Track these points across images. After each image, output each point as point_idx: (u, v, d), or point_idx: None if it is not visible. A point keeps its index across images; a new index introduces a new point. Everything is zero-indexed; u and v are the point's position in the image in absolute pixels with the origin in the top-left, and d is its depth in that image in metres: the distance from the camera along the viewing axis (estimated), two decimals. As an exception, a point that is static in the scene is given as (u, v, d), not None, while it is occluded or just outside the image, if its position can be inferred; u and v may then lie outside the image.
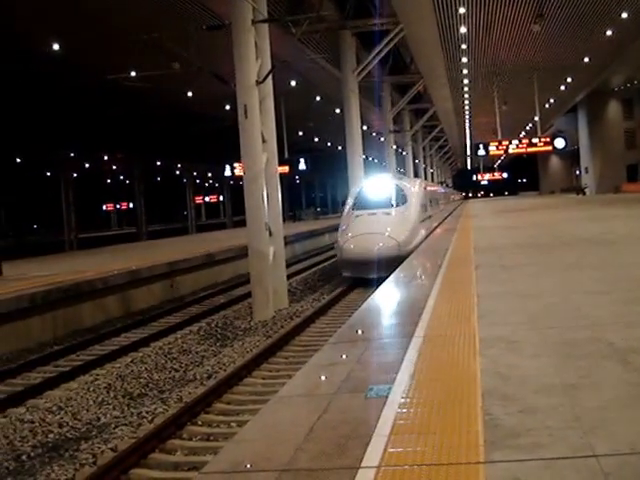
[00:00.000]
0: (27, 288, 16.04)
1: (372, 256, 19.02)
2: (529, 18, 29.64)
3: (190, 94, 32.55)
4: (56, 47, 23.79)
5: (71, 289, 16.34)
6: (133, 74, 27.65)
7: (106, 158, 56.84)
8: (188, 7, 22.15)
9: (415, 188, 24.18)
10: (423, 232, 22.56)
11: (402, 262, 15.18)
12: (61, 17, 22.26)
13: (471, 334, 6.79)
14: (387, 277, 12.67)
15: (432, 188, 35.43)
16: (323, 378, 5.77)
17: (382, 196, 21.78)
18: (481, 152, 43.74)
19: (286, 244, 19.51)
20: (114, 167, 63.65)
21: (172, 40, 22.29)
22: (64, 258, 29.88)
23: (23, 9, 21.04)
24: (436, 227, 28.98)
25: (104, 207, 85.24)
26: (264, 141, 16.53)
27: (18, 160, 50.52)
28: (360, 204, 21.78)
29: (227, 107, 32.07)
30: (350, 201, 22.61)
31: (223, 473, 3.96)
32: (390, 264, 16.56)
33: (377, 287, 11.60)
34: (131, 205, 76.43)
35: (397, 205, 21.39)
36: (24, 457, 8.30)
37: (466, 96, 46.85)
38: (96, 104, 34.93)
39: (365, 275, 19.20)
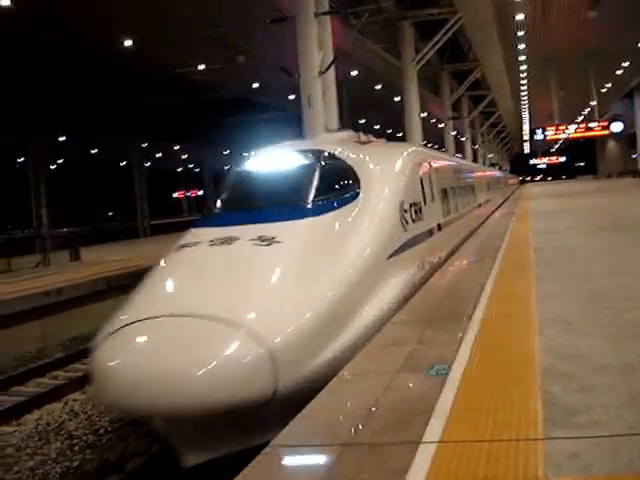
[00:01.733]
0: (103, 272, 16.58)
1: (172, 405, 5.58)
2: (585, 4, 29.60)
3: (256, 85, 32.95)
4: (128, 43, 24.51)
5: (143, 271, 16.85)
6: (201, 67, 28.23)
7: (176, 148, 58.51)
8: (253, 1, 22.51)
9: (390, 165, 10.30)
10: (413, 278, 9.57)
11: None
12: (133, 15, 22.92)
13: (529, 315, 6.93)
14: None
15: (452, 164, 19.20)
16: (385, 357, 5.95)
17: (283, 188, 8.72)
18: (539, 137, 43.11)
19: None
20: (183, 156, 65.36)
21: (237, 34, 22.70)
22: (137, 244, 30.59)
23: (100, 9, 21.72)
24: (482, 222, 21.06)
25: (175, 195, 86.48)
26: (327, 130, 16.77)
27: (93, 151, 51.98)
28: (223, 212, 9.00)
29: (291, 97, 32.37)
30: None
31: (290, 447, 4.23)
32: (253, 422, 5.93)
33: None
34: (200, 192, 78.15)
35: (320, 209, 8.26)
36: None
37: (523, 82, 46.35)
38: (165, 96, 35.77)
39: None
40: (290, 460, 4.12)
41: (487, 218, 23.61)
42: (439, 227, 12.13)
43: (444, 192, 13.86)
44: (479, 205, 22.77)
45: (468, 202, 18.86)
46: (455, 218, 15.09)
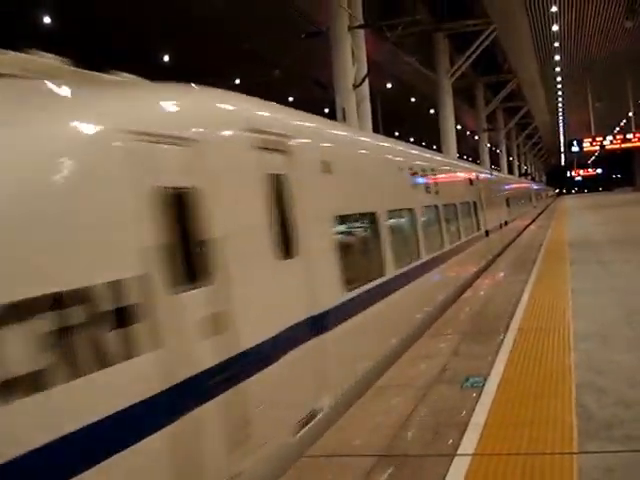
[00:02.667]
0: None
1: None
2: (621, 14, 29.30)
3: (291, 99, 33.19)
4: (166, 58, 24.90)
5: None
6: (237, 82, 28.48)
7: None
8: (287, 16, 22.72)
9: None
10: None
11: None
12: (172, 30, 23.27)
13: (565, 328, 6.93)
14: None
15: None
16: (421, 369, 5.97)
17: None
18: (575, 148, 42.64)
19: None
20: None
21: (273, 48, 22.86)
22: None
23: (139, 24, 22.08)
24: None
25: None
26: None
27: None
28: None
29: (326, 110, 32.54)
30: None
31: (326, 457, 4.27)
32: None
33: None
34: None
35: None
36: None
37: (559, 93, 46.07)
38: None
39: None
40: (324, 470, 4.15)
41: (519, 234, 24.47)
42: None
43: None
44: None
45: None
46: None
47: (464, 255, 12.64)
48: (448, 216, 11.72)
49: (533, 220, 34.59)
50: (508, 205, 23.31)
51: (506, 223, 21.28)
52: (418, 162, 10.86)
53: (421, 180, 10.45)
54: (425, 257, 9.50)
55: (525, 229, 26.36)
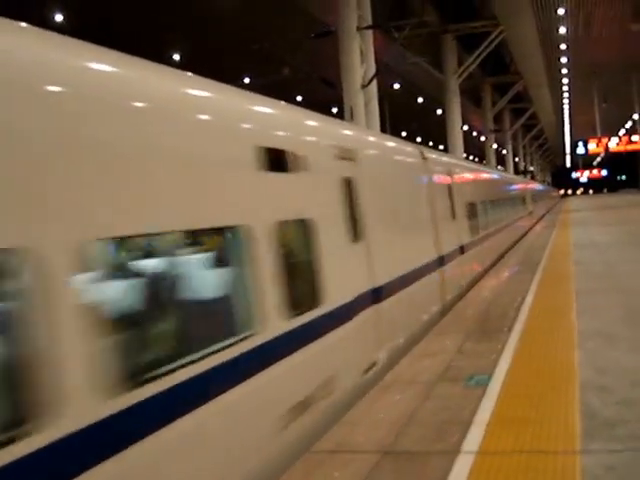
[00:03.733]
0: None
1: None
2: (628, 17, 29.36)
3: (299, 98, 33.21)
4: (177, 57, 24.98)
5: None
6: (247, 81, 28.53)
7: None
8: (296, 17, 22.76)
9: None
10: None
11: None
12: (182, 29, 23.33)
13: (569, 328, 6.96)
14: None
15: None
16: (425, 366, 6.01)
17: None
18: (580, 150, 42.55)
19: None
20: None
21: (282, 48, 22.90)
22: None
23: (150, 23, 22.15)
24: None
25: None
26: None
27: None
28: None
29: (334, 110, 32.56)
30: None
31: (330, 452, 4.31)
32: None
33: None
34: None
35: None
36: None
37: (565, 95, 46.02)
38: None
39: None
40: (328, 466, 4.17)
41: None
42: None
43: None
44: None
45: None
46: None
47: None
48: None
49: (524, 234, 24.91)
50: (475, 216, 14.06)
51: (464, 249, 12.11)
52: None
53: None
54: None
55: (509, 250, 18.64)
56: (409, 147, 10.13)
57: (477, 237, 13.30)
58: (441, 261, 9.59)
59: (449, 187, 11.22)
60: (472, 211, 13.14)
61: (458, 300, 9.87)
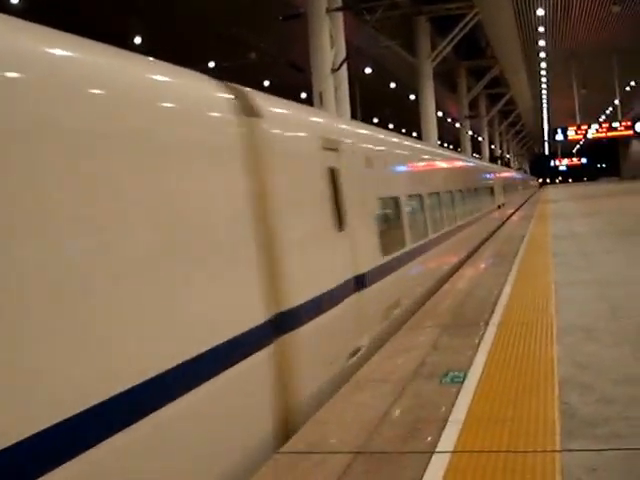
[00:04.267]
0: None
1: None
2: (608, -1, 28.99)
3: (267, 83, 32.95)
4: (138, 40, 24.51)
5: None
6: (212, 65, 28.17)
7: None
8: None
9: None
10: None
11: None
12: (144, 12, 22.91)
13: (548, 322, 6.80)
14: None
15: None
16: (399, 363, 5.84)
17: None
18: (559, 137, 42.70)
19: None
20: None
21: (249, 31, 22.61)
22: None
23: (110, 4, 21.71)
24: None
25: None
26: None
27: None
28: None
29: (303, 95, 32.35)
30: None
31: (300, 453, 4.09)
32: None
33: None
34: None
35: None
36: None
37: (543, 80, 46.13)
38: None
39: None
40: (298, 467, 3.95)
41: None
42: None
43: None
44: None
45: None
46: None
47: None
48: None
49: (488, 236, 19.49)
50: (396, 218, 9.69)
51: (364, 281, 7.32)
52: None
53: None
54: None
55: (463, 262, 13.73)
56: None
57: (394, 256, 8.19)
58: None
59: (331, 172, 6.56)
60: (388, 213, 8.68)
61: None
